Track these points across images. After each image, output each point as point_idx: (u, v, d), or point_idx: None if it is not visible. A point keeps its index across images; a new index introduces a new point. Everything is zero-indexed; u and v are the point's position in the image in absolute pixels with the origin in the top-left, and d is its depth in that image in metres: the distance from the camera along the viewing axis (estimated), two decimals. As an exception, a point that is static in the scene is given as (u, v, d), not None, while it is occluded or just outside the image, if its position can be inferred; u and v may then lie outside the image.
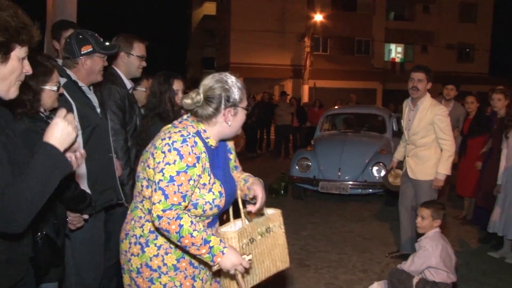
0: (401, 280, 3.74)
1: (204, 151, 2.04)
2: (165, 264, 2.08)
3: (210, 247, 1.90)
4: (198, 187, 2.04)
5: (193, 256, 2.05)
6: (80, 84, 2.92)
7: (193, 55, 42.24)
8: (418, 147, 4.79)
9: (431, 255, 3.55)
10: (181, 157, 1.94)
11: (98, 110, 3.03)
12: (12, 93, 1.64)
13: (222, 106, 2.04)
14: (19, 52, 1.59)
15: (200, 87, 2.07)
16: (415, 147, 4.82)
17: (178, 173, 1.92)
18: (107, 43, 3.05)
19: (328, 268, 4.84)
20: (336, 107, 11.75)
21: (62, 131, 1.61)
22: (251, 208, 2.21)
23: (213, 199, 2.08)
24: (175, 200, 1.92)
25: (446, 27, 32.21)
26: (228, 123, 2.08)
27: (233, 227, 2.28)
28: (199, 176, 2.01)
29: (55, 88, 2.45)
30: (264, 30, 26.80)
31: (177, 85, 3.49)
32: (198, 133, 2.06)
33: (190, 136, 1.99)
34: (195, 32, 40.83)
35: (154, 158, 2.00)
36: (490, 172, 5.59)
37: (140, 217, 2.12)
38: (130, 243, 2.11)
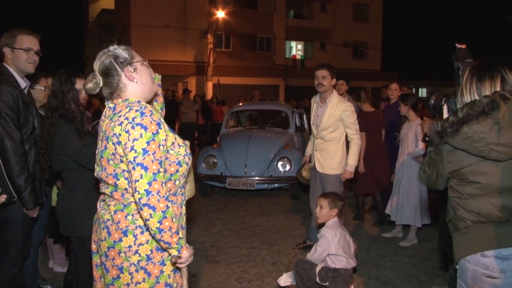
0: (305, 269, 3.92)
1: (160, 117, 2.14)
2: None
3: (180, 238, 2.05)
4: (171, 149, 2.15)
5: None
6: None
7: (91, 51, 40.43)
8: (326, 141, 5.03)
9: (331, 242, 3.77)
10: (145, 128, 2.02)
11: None
12: None
13: (119, 69, 2.17)
14: None
15: (95, 70, 2.20)
16: (324, 141, 5.05)
17: (148, 143, 2.01)
18: None
19: (238, 263, 4.93)
20: (240, 103, 11.90)
21: None
22: None
23: (185, 150, 2.24)
24: (154, 168, 2.01)
25: (342, 25, 33.85)
26: (134, 80, 2.20)
27: None
28: (165, 140, 2.10)
29: None
30: (165, 26, 26.33)
31: (80, 84, 3.30)
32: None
33: (143, 108, 2.08)
34: (93, 27, 39.12)
35: (120, 143, 2.03)
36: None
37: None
38: (135, 235, 2.11)
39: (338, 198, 4.01)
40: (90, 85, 2.15)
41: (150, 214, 1.98)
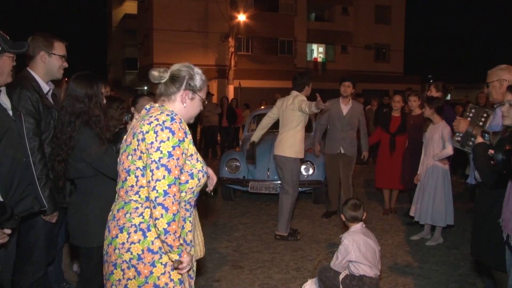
0: (329, 277, 3.83)
1: (186, 126, 2.24)
2: None
3: (181, 244, 2.13)
4: (189, 159, 2.24)
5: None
6: None
7: (114, 56, 40.95)
8: (287, 130, 6.07)
9: (350, 249, 3.65)
10: (173, 133, 2.11)
11: (10, 112, 2.80)
12: None
13: (183, 86, 2.29)
14: None
15: (170, 69, 2.32)
16: (285, 131, 6.05)
17: (173, 147, 2.10)
18: (16, 42, 2.79)
19: (262, 268, 4.86)
20: (262, 107, 11.84)
21: None
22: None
23: (202, 167, 2.31)
24: (176, 173, 2.10)
25: (363, 28, 33.59)
26: (184, 104, 2.31)
27: None
28: (187, 149, 2.19)
29: None
30: (187, 30, 26.50)
31: (103, 89, 3.27)
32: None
33: (174, 114, 2.19)
34: (116, 31, 39.61)
35: (144, 140, 2.12)
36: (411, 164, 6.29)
37: (137, 208, 2.20)
38: (129, 233, 2.18)
39: (359, 203, 3.87)
40: (156, 73, 2.28)
41: (162, 214, 2.05)
